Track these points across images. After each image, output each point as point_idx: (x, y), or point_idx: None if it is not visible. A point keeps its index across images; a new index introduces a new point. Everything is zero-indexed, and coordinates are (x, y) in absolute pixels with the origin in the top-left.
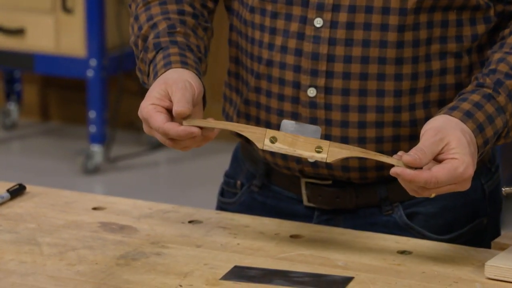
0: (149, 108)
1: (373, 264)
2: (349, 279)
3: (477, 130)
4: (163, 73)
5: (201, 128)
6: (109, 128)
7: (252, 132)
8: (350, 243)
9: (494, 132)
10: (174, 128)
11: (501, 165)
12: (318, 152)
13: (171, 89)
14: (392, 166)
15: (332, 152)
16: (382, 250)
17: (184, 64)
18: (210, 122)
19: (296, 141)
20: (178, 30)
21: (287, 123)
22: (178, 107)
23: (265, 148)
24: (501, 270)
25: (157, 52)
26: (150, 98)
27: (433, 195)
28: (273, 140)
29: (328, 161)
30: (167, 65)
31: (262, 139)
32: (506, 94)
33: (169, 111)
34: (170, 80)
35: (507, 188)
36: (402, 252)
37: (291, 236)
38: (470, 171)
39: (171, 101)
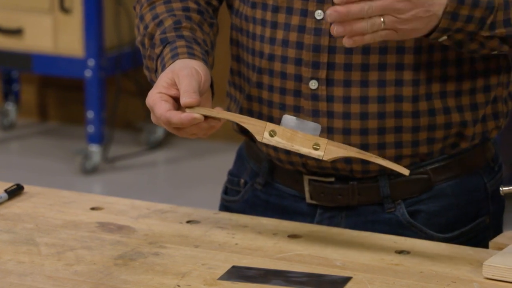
0: (155, 97)
1: (371, 264)
2: (347, 279)
3: None
4: (170, 64)
5: (206, 117)
6: (107, 128)
7: (252, 124)
8: (348, 243)
9: None
10: (176, 115)
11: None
12: (316, 149)
13: (177, 77)
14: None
15: (329, 151)
16: (380, 250)
17: (191, 55)
18: (213, 111)
19: (294, 136)
20: (184, 25)
21: (288, 118)
22: (186, 98)
23: (264, 141)
24: (499, 270)
25: (164, 47)
26: (157, 87)
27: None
28: (272, 133)
29: (324, 158)
30: (175, 57)
31: (262, 132)
32: None
33: (175, 99)
34: (176, 69)
35: (505, 188)
36: (400, 252)
37: (289, 236)
38: None
39: (177, 89)
